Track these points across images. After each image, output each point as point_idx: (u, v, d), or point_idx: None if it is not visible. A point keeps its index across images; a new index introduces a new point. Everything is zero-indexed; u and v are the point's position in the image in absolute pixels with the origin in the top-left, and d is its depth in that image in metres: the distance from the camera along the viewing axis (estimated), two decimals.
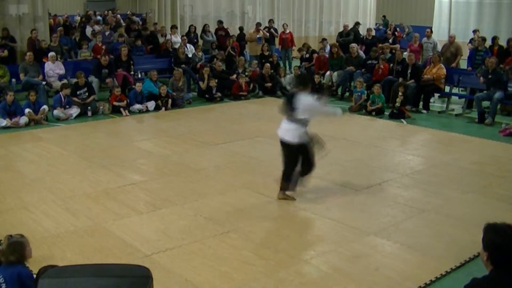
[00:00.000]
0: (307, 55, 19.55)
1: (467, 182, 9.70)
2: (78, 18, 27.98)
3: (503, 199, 8.85)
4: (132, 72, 16.78)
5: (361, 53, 18.56)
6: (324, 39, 21.03)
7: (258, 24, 21.34)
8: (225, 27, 22.15)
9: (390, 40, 20.61)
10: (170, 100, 15.24)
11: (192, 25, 21.71)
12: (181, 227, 7.62)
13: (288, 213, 8.18)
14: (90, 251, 6.87)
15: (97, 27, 22.18)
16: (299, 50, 20.27)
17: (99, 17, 25.81)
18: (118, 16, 25.13)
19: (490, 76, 14.78)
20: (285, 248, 7.01)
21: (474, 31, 21.73)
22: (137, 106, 14.89)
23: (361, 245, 7.18)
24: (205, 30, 21.16)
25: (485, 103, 14.88)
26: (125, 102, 14.78)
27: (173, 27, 20.75)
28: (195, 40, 20.65)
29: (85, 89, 14.61)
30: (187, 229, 7.55)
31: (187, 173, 9.97)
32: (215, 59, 18.30)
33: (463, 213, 8.27)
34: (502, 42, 19.01)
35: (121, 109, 14.58)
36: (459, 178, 9.92)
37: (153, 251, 6.86)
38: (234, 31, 23.20)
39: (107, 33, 20.26)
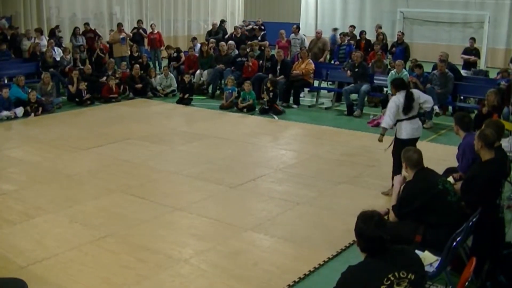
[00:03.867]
0: (175, 54, 19.40)
1: (339, 173, 9.93)
2: None
3: (374, 187, 9.14)
4: None
5: (236, 51, 18.50)
6: (194, 38, 20.95)
7: (120, 25, 20.86)
8: (93, 28, 21.56)
9: (259, 37, 20.78)
10: (40, 107, 14.64)
11: (53, 28, 20.96)
12: (57, 235, 7.35)
13: (164, 214, 8.05)
14: None
15: None
16: (167, 47, 20.10)
17: None
18: None
19: (356, 70, 15.21)
20: (164, 249, 6.91)
21: (335, 29, 22.47)
22: (5, 113, 14.20)
23: (238, 241, 7.18)
24: (75, 33, 20.51)
25: (353, 96, 15.34)
26: None
27: (38, 30, 19.96)
28: (58, 43, 19.93)
29: None
30: (62, 237, 7.29)
31: (59, 179, 9.62)
32: (78, 61, 17.90)
33: (337, 203, 8.47)
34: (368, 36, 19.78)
35: None
36: (331, 169, 10.14)
37: (29, 262, 6.56)
38: (102, 33, 22.64)
39: None
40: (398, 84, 8.80)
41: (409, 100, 8.56)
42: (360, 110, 14.76)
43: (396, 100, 8.57)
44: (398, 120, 8.68)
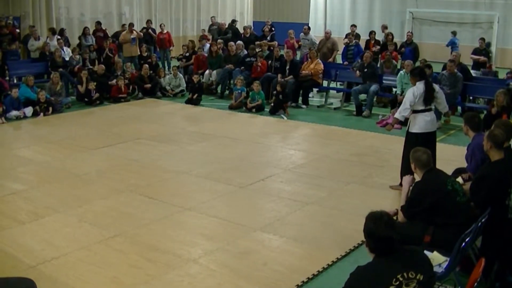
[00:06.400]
0: (187, 54, 19.40)
1: (348, 173, 9.91)
2: None
3: (383, 187, 9.13)
4: (7, 78, 16.04)
5: (245, 51, 18.49)
6: (203, 38, 20.96)
7: (131, 25, 20.88)
8: (104, 28, 21.57)
9: (268, 38, 20.77)
10: (50, 107, 14.69)
11: (62, 28, 20.97)
12: (66, 234, 7.36)
13: (173, 214, 8.06)
14: None
15: None
16: (190, 41, 20.08)
17: None
18: None
19: (365, 70, 15.20)
20: (172, 249, 6.92)
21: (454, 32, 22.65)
22: (14, 113, 14.25)
23: (248, 241, 7.18)
24: (85, 33, 20.53)
25: (362, 96, 15.32)
26: (0, 109, 14.11)
27: (50, 29, 20.01)
28: (67, 43, 19.94)
29: None
30: (72, 236, 7.30)
31: (69, 179, 9.64)
32: (87, 61, 17.95)
33: (346, 204, 8.45)
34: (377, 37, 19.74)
35: None
36: (340, 170, 10.13)
37: (38, 262, 6.58)
38: (111, 33, 22.66)
39: None
40: (418, 73, 8.72)
41: (430, 90, 8.52)
42: (369, 110, 14.75)
43: (415, 89, 8.49)
44: (412, 112, 8.62)
